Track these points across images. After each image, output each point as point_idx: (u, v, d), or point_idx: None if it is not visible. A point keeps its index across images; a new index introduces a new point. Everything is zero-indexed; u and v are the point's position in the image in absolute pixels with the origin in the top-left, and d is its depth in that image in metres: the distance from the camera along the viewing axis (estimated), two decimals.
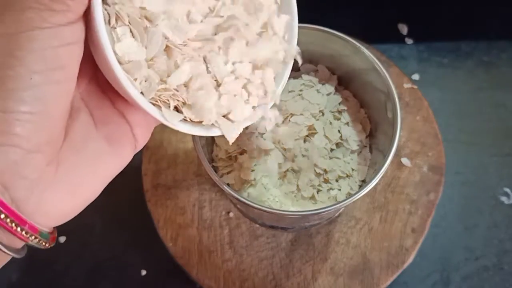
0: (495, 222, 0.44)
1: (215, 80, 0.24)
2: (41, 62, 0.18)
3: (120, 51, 0.21)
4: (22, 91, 0.18)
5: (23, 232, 0.19)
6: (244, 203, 0.31)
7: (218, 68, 0.23)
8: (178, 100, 0.23)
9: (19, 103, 0.18)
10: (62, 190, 0.21)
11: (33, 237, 0.20)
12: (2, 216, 0.18)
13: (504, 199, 0.45)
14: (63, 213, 0.22)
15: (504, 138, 0.47)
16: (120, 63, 0.21)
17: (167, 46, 0.22)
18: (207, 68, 0.23)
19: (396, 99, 0.34)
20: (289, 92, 0.38)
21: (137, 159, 0.46)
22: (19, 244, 0.20)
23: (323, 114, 0.38)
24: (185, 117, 0.23)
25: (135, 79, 0.21)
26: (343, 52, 0.37)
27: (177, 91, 0.22)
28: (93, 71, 0.23)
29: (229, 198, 0.40)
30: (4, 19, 0.18)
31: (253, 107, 0.26)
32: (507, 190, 0.45)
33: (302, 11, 0.51)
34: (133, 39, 0.21)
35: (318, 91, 0.38)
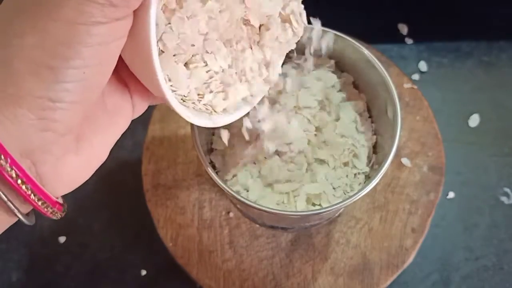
0: (495, 222, 0.44)
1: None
2: (96, 57, 0.19)
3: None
4: (72, 83, 0.18)
5: (40, 202, 0.20)
6: (244, 203, 0.31)
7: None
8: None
9: (67, 93, 0.18)
10: (79, 162, 0.22)
11: (49, 208, 0.21)
12: (28, 191, 0.19)
13: (504, 199, 0.45)
14: (76, 182, 0.22)
15: (504, 138, 0.47)
16: None
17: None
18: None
19: (396, 99, 0.34)
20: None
21: (137, 159, 0.46)
22: (27, 209, 0.21)
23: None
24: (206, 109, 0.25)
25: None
26: (344, 51, 0.37)
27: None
28: None
29: (229, 198, 0.40)
30: (64, 6, 0.17)
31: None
32: (507, 190, 0.45)
33: None
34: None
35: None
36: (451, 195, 0.45)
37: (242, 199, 0.31)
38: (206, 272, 0.40)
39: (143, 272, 0.43)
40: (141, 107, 0.25)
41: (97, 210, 0.45)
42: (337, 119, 0.36)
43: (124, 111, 0.23)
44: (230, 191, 0.32)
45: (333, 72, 0.38)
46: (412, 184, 0.43)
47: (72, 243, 0.44)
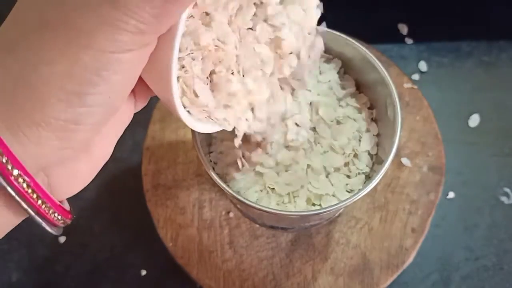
0: (495, 222, 0.44)
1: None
2: (123, 82, 0.19)
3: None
4: (97, 107, 0.19)
5: (51, 213, 0.21)
6: (244, 203, 0.31)
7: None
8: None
9: (90, 116, 0.19)
10: (88, 166, 0.22)
11: (56, 214, 0.22)
12: (39, 201, 0.20)
13: (504, 199, 0.45)
14: (83, 184, 0.23)
15: (504, 138, 0.47)
16: None
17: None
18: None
19: (397, 99, 0.34)
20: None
21: (137, 159, 0.46)
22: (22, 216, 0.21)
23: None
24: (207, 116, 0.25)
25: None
26: (344, 52, 0.37)
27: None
28: None
29: (229, 198, 0.40)
30: (96, 34, 0.17)
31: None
32: (507, 190, 0.45)
33: None
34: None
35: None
36: (451, 195, 0.45)
37: (242, 199, 0.31)
38: (206, 272, 0.40)
39: (143, 272, 0.43)
40: (142, 101, 0.25)
41: (97, 210, 0.45)
42: (338, 121, 0.36)
43: (126, 108, 0.24)
44: (230, 191, 0.32)
45: (337, 72, 0.38)
46: (412, 184, 0.43)
47: (72, 243, 0.44)
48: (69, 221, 0.22)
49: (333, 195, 0.34)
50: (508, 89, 0.49)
